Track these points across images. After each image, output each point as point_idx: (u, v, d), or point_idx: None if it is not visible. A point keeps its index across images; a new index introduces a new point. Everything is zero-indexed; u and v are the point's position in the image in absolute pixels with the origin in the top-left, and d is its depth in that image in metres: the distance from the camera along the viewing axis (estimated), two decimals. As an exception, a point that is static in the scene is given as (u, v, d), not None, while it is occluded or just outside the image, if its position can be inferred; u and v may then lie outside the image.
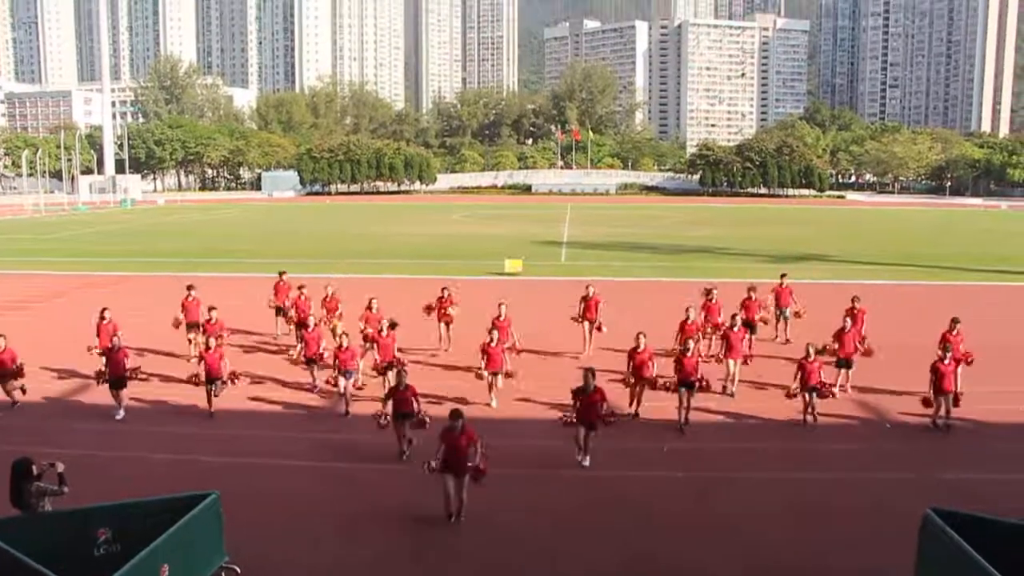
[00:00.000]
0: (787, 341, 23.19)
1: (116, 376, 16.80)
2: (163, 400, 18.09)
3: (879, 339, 19.86)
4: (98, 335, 18.84)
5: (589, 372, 13.92)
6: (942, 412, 16.40)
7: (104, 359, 17.43)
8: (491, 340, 17.33)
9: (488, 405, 16.94)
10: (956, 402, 16.32)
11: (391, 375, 14.25)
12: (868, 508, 12.72)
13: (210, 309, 20.15)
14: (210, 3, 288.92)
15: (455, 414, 11.51)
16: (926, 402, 16.43)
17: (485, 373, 17.20)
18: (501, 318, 19.47)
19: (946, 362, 16.26)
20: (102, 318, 19.20)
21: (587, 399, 13.66)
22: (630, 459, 14.26)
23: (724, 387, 18.06)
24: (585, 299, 21.96)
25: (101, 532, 9.49)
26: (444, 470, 11.47)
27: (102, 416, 17.02)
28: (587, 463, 13.78)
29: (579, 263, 44.96)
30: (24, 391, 17.44)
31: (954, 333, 18.03)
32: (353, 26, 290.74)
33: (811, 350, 16.61)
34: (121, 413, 16.95)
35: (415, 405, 13.76)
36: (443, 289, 22.44)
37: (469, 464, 11.43)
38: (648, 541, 11.63)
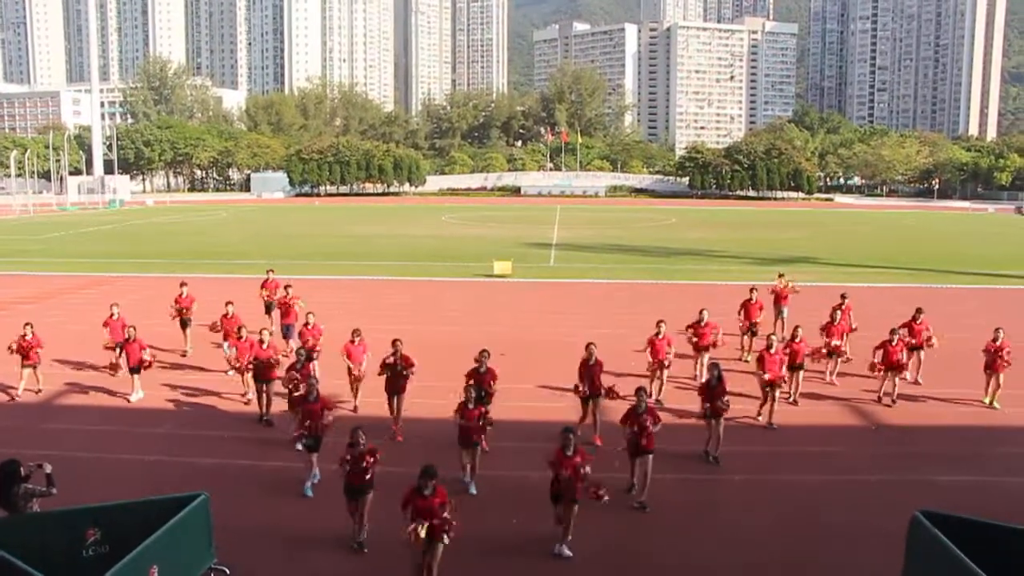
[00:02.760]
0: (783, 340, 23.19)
1: (133, 365, 17.87)
2: (152, 399, 18.08)
3: (866, 341, 20.01)
4: (109, 330, 19.28)
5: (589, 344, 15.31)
6: (887, 388, 18.11)
7: (119, 351, 18.24)
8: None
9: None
10: (915, 383, 18.62)
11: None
12: (855, 510, 12.80)
13: (226, 304, 20.44)
14: (199, 4, 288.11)
15: (428, 472, 9.71)
16: (872, 367, 17.99)
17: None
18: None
19: (894, 343, 17.71)
20: (111, 314, 19.65)
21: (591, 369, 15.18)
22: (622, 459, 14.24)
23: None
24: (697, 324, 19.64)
25: (90, 533, 9.49)
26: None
27: (89, 416, 17.06)
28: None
29: (568, 265, 45.03)
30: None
31: (918, 322, 19.55)
32: (343, 28, 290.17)
33: (799, 331, 17.68)
34: (141, 394, 17.98)
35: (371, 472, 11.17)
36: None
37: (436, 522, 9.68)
38: (639, 541, 11.70)
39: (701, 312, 19.56)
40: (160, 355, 20.98)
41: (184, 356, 21.92)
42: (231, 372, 18.93)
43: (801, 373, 17.97)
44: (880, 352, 17.83)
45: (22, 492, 9.71)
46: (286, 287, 22.67)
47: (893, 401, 17.92)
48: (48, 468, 9.89)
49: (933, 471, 14.47)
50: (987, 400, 17.98)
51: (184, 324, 22.31)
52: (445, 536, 9.71)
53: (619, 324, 24.71)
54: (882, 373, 17.96)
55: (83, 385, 19.18)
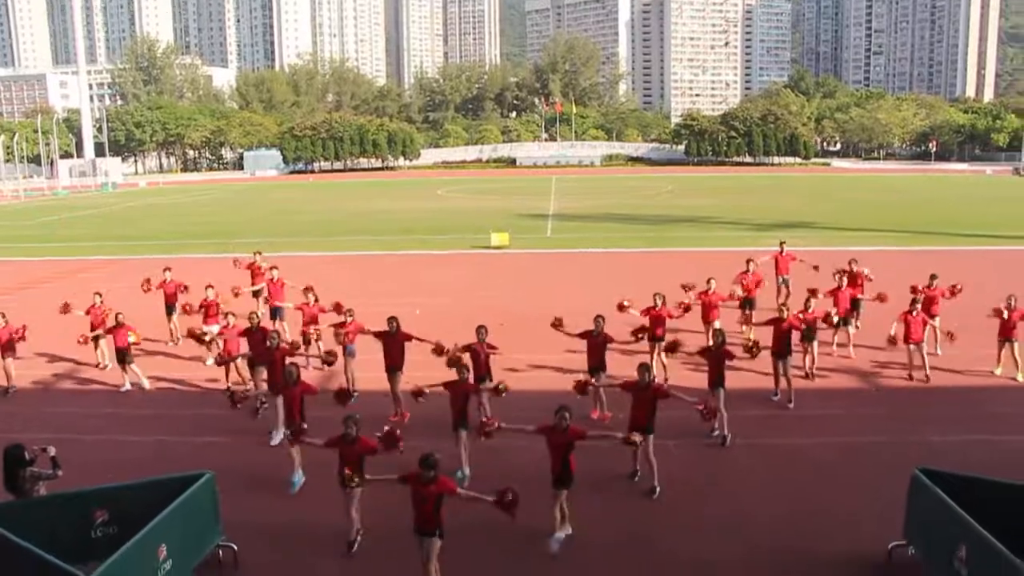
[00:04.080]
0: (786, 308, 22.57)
1: (120, 348, 17.44)
2: (148, 380, 18.14)
3: (866, 304, 20.04)
4: (91, 319, 18.81)
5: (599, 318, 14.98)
6: (916, 361, 17.26)
7: (99, 340, 18.17)
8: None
9: None
10: (932, 353, 17.40)
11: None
12: (857, 470, 12.93)
13: (206, 287, 19.88)
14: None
15: (429, 462, 8.99)
16: (891, 340, 17.20)
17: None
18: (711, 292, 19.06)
19: (914, 314, 16.97)
20: (93, 303, 19.12)
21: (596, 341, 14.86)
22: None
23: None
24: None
25: (98, 514, 9.56)
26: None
27: (88, 400, 17.15)
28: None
29: (565, 235, 45.00)
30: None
31: (931, 288, 18.77)
32: (332, 1, 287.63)
33: (812, 302, 17.22)
34: (128, 386, 17.61)
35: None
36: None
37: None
38: (640, 503, 11.79)
39: (709, 281, 19.11)
40: (153, 344, 21.00)
41: (175, 345, 21.34)
42: (210, 361, 18.03)
43: (816, 345, 17.58)
44: (902, 325, 17.09)
45: (28, 475, 9.78)
46: (272, 268, 21.83)
47: (927, 377, 17.13)
48: (52, 451, 9.95)
49: (933, 432, 14.56)
50: (998, 371, 17.41)
51: (169, 311, 21.48)
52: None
53: (619, 294, 24.66)
54: (907, 347, 17.23)
55: (80, 368, 19.24)
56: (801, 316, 16.73)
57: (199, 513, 9.84)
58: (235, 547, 10.29)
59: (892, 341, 17.25)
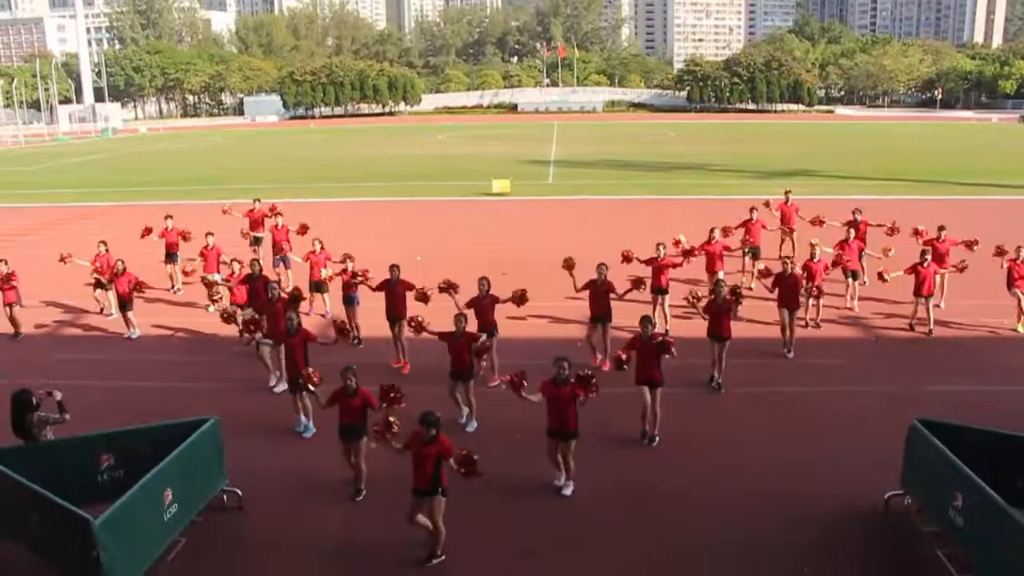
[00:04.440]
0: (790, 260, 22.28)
1: (124, 297, 17.41)
2: (153, 327, 18.23)
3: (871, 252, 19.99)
4: (99, 266, 18.83)
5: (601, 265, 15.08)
6: (921, 314, 17.10)
7: (102, 288, 18.08)
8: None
9: None
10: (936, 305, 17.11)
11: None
12: (856, 419, 13.03)
13: (206, 235, 19.79)
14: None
15: (429, 420, 8.88)
16: (880, 277, 17.29)
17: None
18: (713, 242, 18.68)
19: (925, 265, 16.76)
20: (99, 251, 19.21)
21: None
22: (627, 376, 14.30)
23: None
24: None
25: (104, 458, 9.70)
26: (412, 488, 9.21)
27: (93, 346, 17.28)
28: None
29: (567, 183, 44.79)
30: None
31: (940, 240, 18.49)
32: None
33: (817, 251, 17.06)
34: (136, 332, 17.65)
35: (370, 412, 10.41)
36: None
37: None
38: (637, 450, 11.93)
39: (711, 231, 18.83)
40: (153, 292, 21.02)
41: (174, 293, 21.21)
42: (212, 309, 17.64)
43: (821, 296, 17.36)
44: (912, 276, 16.91)
45: (36, 420, 9.90)
46: (276, 213, 21.58)
47: (929, 331, 16.98)
48: (58, 395, 10.06)
49: (932, 382, 14.66)
50: (1020, 327, 17.13)
51: (170, 259, 21.35)
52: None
53: (621, 242, 24.59)
54: (915, 299, 17.12)
55: (82, 315, 19.32)
56: (806, 268, 16.82)
57: (204, 458, 9.95)
58: (239, 492, 10.43)
59: (881, 277, 17.31)
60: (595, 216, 33.35)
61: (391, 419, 9.55)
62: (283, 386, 13.72)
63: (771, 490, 10.81)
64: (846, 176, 45.97)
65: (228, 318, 14.76)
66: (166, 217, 21.89)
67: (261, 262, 16.90)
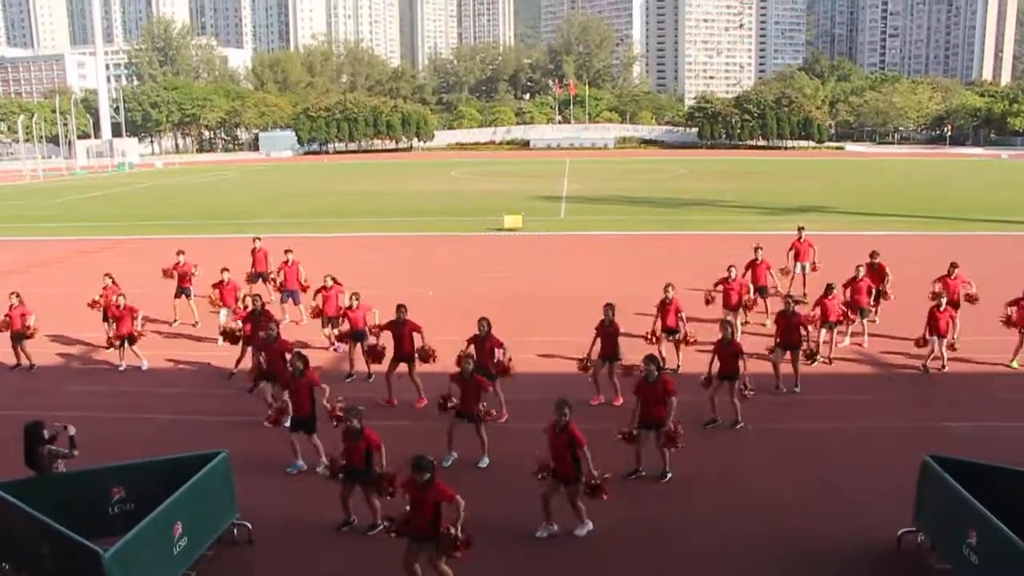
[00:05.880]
0: (804, 295, 21.87)
1: (123, 335, 17.41)
2: (166, 360, 18.30)
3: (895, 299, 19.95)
4: (104, 301, 18.81)
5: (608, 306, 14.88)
6: (936, 352, 16.89)
7: (111, 322, 17.91)
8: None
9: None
10: (951, 347, 16.86)
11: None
12: (868, 456, 12.92)
13: (222, 271, 19.81)
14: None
15: (421, 464, 8.58)
16: (919, 342, 16.94)
17: None
18: (731, 280, 18.86)
19: (942, 309, 16.74)
20: (104, 285, 19.17)
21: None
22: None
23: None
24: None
25: (115, 491, 9.71)
26: (404, 532, 9.02)
27: (104, 378, 17.30)
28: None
29: (579, 218, 44.93)
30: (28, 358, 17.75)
31: (952, 277, 18.53)
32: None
33: (833, 289, 17.25)
34: (145, 364, 17.65)
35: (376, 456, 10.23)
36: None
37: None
38: (647, 488, 11.85)
39: (729, 269, 18.91)
40: (162, 326, 21.12)
41: (195, 327, 21.11)
42: (222, 342, 17.63)
43: (835, 332, 17.48)
44: (927, 320, 16.80)
45: (46, 453, 9.91)
46: (287, 251, 21.50)
47: (943, 367, 16.87)
48: (72, 430, 10.06)
49: (943, 418, 14.54)
50: (1016, 364, 17.11)
51: (185, 294, 21.30)
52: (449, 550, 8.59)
53: (633, 280, 24.64)
54: (931, 339, 16.80)
55: (93, 349, 19.41)
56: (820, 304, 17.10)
57: (214, 491, 9.95)
58: (249, 525, 10.41)
59: (919, 343, 17.00)
60: (606, 251, 33.39)
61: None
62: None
63: (782, 527, 10.70)
64: (859, 212, 45.98)
65: (228, 335, 14.98)
66: (178, 252, 21.93)
67: (259, 298, 16.94)
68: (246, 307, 16.98)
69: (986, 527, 8.34)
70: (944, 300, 17.03)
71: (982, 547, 8.43)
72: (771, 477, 12.25)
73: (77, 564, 8.10)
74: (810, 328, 16.42)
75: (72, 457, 10.02)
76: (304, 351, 13.12)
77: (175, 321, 21.52)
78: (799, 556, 9.99)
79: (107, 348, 17.88)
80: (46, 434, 10.00)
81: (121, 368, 17.61)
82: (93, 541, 8.07)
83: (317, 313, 18.39)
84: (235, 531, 10.35)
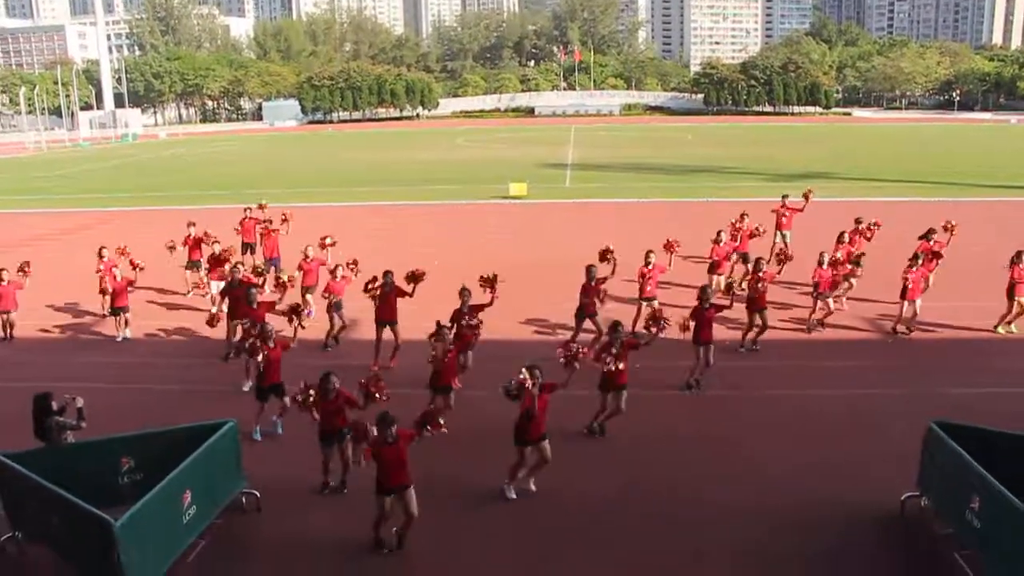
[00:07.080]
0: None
1: (118, 305, 17.76)
2: (167, 333, 18.37)
3: (885, 255, 19.88)
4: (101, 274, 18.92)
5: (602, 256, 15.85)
6: (907, 314, 17.09)
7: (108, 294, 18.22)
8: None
9: None
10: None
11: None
12: (871, 421, 12.98)
13: (213, 242, 20.05)
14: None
15: (384, 420, 9.08)
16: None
17: None
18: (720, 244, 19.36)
19: (914, 270, 16.91)
20: (100, 256, 19.09)
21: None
22: (637, 378, 14.29)
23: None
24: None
25: (124, 461, 9.80)
26: (380, 490, 9.32)
27: (109, 349, 17.41)
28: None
29: (584, 185, 44.80)
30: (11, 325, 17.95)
31: (930, 243, 18.82)
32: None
33: (824, 258, 17.34)
34: (127, 334, 17.87)
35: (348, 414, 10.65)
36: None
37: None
38: (652, 456, 11.93)
39: (718, 234, 19.32)
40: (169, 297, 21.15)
41: (186, 296, 21.41)
42: (215, 308, 17.58)
43: (827, 300, 17.42)
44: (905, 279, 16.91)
45: (55, 425, 9.98)
46: (266, 222, 21.95)
47: (909, 329, 17.19)
48: (80, 402, 10.11)
49: (943, 384, 14.55)
50: (1002, 329, 17.27)
51: (195, 267, 21.35)
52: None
53: (636, 245, 24.54)
54: (902, 301, 17.08)
55: (100, 320, 19.49)
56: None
57: (222, 460, 10.05)
58: (257, 494, 10.50)
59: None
60: (611, 219, 33.30)
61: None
62: (248, 384, 13.97)
63: (785, 493, 10.77)
64: (865, 178, 45.74)
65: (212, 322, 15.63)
66: (189, 224, 21.94)
67: (243, 268, 17.04)
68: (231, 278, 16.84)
69: (989, 492, 8.39)
70: (919, 262, 17.19)
71: (985, 511, 8.49)
72: (772, 444, 12.30)
73: (88, 533, 8.21)
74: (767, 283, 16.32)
75: (80, 429, 10.09)
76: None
77: (188, 292, 21.60)
78: (803, 520, 10.05)
79: (103, 317, 18.08)
80: (54, 406, 10.08)
81: (119, 339, 17.80)
82: (103, 510, 8.15)
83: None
84: (244, 499, 10.45)
